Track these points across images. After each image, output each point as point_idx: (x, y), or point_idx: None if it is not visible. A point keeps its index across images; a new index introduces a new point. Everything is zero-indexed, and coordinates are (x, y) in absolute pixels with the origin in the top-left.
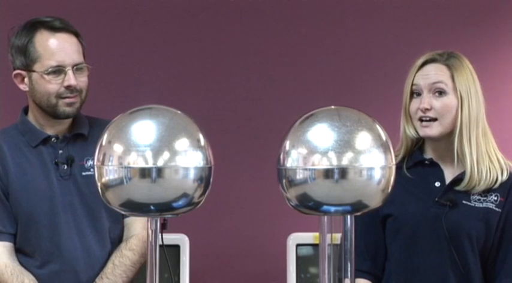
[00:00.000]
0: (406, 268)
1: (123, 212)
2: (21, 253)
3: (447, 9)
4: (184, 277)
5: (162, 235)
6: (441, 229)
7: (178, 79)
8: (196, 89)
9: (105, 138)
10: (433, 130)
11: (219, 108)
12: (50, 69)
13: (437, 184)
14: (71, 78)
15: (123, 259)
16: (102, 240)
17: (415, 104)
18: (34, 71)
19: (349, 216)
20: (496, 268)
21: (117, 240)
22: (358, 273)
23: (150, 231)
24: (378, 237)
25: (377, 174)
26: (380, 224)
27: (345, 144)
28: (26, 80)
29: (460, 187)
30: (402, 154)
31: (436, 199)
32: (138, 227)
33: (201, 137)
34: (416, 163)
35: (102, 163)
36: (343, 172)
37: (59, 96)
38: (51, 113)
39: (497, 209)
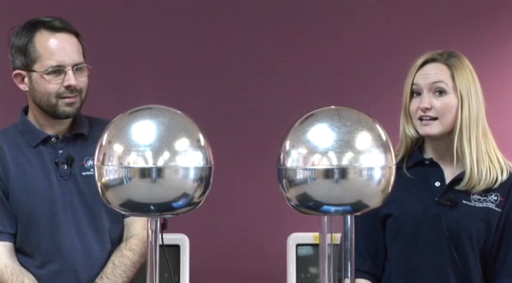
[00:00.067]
0: (406, 268)
1: (123, 212)
2: (21, 253)
3: (447, 9)
4: (184, 277)
5: (162, 235)
6: (441, 229)
7: (178, 79)
8: (196, 89)
9: (105, 138)
10: (433, 128)
11: (219, 108)
12: (50, 69)
13: (437, 184)
14: (71, 78)
15: (123, 259)
16: (102, 240)
17: (415, 103)
18: (34, 71)
19: (349, 216)
20: (496, 268)
21: (117, 240)
22: (358, 273)
23: (150, 231)
24: (378, 237)
25: (377, 174)
26: (380, 224)
27: (345, 144)
28: (26, 79)
29: (460, 187)
30: (402, 154)
31: (436, 199)
32: (138, 227)
33: (201, 137)
34: (416, 163)
35: (102, 163)
36: (343, 172)
37: (59, 96)
38: (51, 112)
39: (497, 209)
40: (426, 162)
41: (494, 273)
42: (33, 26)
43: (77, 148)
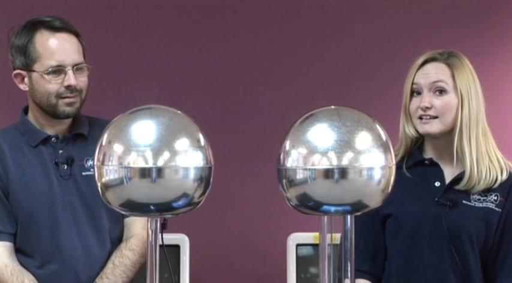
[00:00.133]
0: (406, 268)
1: (123, 212)
2: (21, 253)
3: (447, 9)
4: (184, 277)
5: (162, 235)
6: (441, 229)
7: (178, 79)
8: (196, 89)
9: (105, 138)
10: (433, 127)
11: (219, 108)
12: (50, 69)
13: (437, 184)
14: (71, 78)
15: (123, 259)
16: (102, 240)
17: (415, 102)
18: (34, 71)
19: (349, 216)
20: (496, 268)
21: (117, 240)
22: (358, 273)
23: (150, 231)
24: (378, 237)
25: (377, 174)
26: (379, 224)
27: (345, 144)
28: (26, 79)
29: (460, 186)
30: (401, 153)
31: (436, 199)
32: (138, 227)
33: (201, 137)
34: (416, 163)
35: (102, 163)
36: (343, 172)
37: (59, 96)
38: (51, 112)
39: (497, 209)
40: (426, 162)
41: (494, 273)
42: (33, 26)
43: (77, 148)
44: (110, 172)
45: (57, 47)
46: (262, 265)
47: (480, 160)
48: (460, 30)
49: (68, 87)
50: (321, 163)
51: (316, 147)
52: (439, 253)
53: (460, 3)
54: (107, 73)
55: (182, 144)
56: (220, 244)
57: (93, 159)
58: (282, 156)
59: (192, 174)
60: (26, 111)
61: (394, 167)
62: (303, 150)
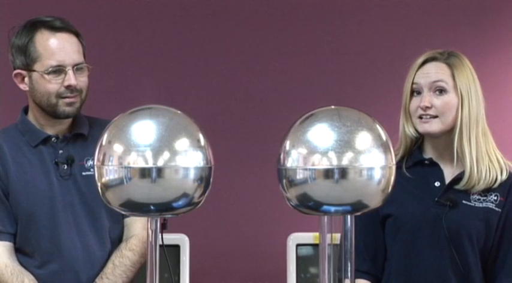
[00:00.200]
0: (406, 268)
1: (123, 212)
2: (21, 253)
3: (447, 9)
4: (184, 277)
5: (162, 235)
6: (441, 229)
7: (178, 79)
8: (196, 89)
9: (105, 138)
10: (433, 126)
11: (219, 108)
12: (50, 69)
13: (437, 184)
14: (71, 78)
15: (123, 260)
16: (102, 240)
17: (415, 102)
18: (34, 71)
19: (349, 216)
20: (496, 268)
21: (117, 240)
22: (358, 273)
23: (150, 231)
24: (378, 237)
25: (377, 174)
26: (379, 224)
27: (345, 144)
28: (26, 79)
29: (460, 186)
30: (401, 153)
31: (436, 199)
32: (138, 227)
33: (201, 137)
34: (416, 163)
35: (102, 163)
36: (343, 172)
37: (59, 96)
38: (51, 112)
39: (497, 209)
40: (426, 162)
41: (494, 273)
42: (33, 26)
43: (77, 148)
44: (110, 172)
45: (58, 47)
46: (262, 265)
47: (480, 160)
48: (460, 30)
49: (68, 87)
50: (321, 163)
51: (316, 147)
52: (439, 253)
53: (460, 3)
54: (107, 73)
55: (182, 144)
56: (220, 244)
57: (93, 159)
58: (282, 156)
59: (192, 174)
60: (26, 111)
61: (394, 167)
62: (303, 150)
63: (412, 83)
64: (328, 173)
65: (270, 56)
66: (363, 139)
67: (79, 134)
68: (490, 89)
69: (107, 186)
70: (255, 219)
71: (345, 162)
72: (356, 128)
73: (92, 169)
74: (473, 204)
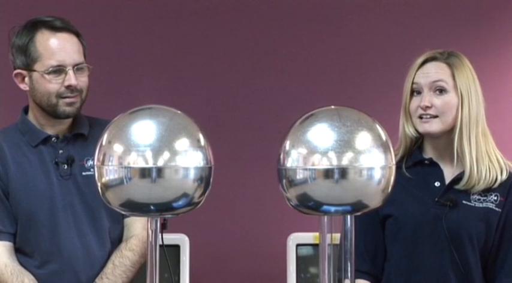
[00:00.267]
0: (406, 268)
1: (123, 212)
2: (21, 253)
3: (447, 9)
4: (184, 277)
5: (162, 235)
6: (441, 229)
7: (178, 79)
8: (196, 89)
9: (105, 138)
10: (433, 126)
11: (219, 108)
12: (50, 69)
13: (437, 184)
14: (71, 78)
15: (123, 260)
16: (102, 240)
17: (415, 102)
18: (34, 71)
19: (349, 216)
20: (496, 268)
21: (117, 240)
22: (358, 273)
23: (150, 231)
24: (378, 237)
25: (377, 174)
26: (379, 224)
27: (345, 144)
28: (26, 79)
29: (460, 186)
30: (401, 153)
31: (436, 199)
32: (138, 227)
33: (201, 137)
34: (416, 163)
35: (102, 163)
36: (343, 172)
37: (59, 96)
38: (52, 112)
39: (497, 209)
40: (426, 162)
41: (494, 273)
42: (34, 26)
43: (77, 148)
44: (110, 172)
45: (58, 47)
46: (262, 265)
47: (480, 160)
48: (460, 30)
49: (69, 87)
50: (321, 163)
51: (316, 147)
52: (439, 253)
53: (460, 3)
54: (107, 73)
55: (182, 144)
56: (220, 244)
57: (93, 159)
58: (282, 156)
59: (192, 174)
60: (26, 110)
61: (394, 167)
62: (303, 150)
63: (412, 83)
64: (328, 173)
65: (269, 56)
66: (363, 139)
67: (79, 134)
68: (490, 89)
69: (107, 186)
70: (255, 219)
71: (344, 162)
72: (356, 128)
73: (92, 169)
74: (473, 204)
